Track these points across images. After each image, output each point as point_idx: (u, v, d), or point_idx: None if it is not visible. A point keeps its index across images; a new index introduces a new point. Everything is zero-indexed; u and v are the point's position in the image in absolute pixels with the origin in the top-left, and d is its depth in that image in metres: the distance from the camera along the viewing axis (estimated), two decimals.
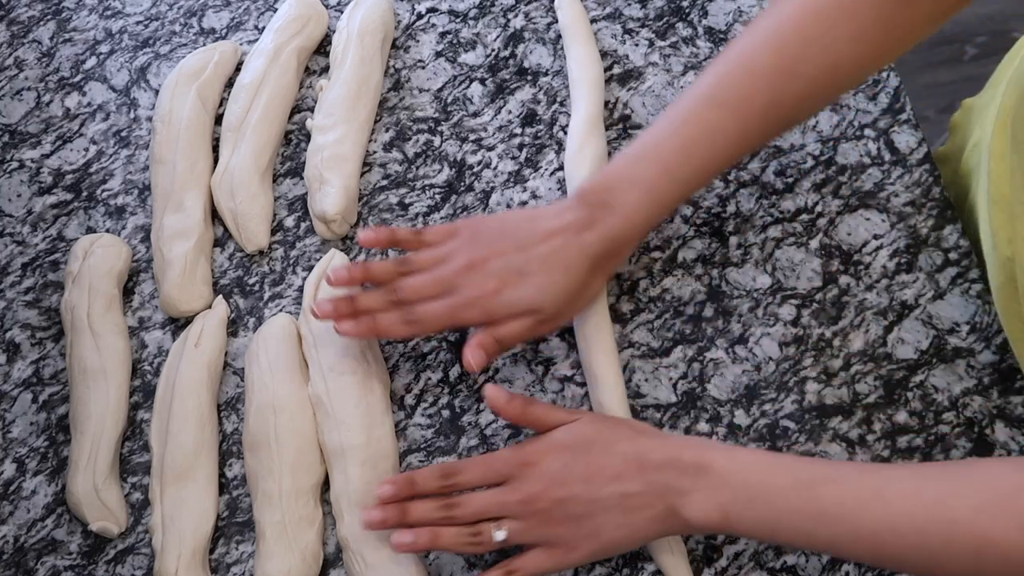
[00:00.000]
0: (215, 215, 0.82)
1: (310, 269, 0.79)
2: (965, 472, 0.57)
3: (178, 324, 0.78)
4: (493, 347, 0.68)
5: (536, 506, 0.62)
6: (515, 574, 0.63)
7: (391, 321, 0.68)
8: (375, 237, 0.71)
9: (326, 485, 0.71)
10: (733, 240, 0.77)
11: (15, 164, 0.87)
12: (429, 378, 0.75)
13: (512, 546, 0.64)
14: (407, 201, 0.81)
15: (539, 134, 0.82)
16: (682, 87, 0.83)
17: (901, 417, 0.70)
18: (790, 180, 0.78)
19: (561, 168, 0.80)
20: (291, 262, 0.80)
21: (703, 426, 0.71)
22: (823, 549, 0.61)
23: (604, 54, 0.85)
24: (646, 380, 0.73)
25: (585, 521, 0.62)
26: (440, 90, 0.85)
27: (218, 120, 0.85)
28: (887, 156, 0.78)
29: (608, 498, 0.61)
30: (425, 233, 0.72)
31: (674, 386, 0.73)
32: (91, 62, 0.91)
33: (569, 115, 0.81)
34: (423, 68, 0.86)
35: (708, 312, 0.75)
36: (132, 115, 0.87)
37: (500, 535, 0.63)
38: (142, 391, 0.77)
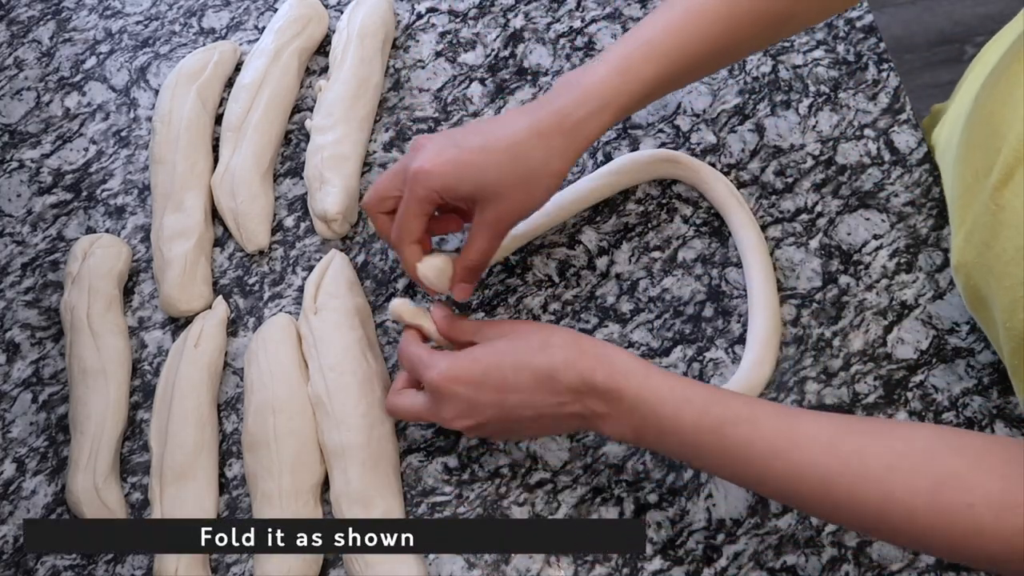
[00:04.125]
0: (215, 215, 0.82)
1: (310, 269, 0.79)
2: (884, 430, 0.56)
3: (178, 324, 0.78)
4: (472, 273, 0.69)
5: (452, 424, 0.64)
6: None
7: None
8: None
9: (326, 485, 0.71)
10: (733, 240, 0.77)
11: (15, 164, 0.87)
12: None
13: None
14: None
15: None
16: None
17: (901, 417, 0.70)
18: (790, 180, 0.78)
19: None
20: (291, 262, 0.80)
21: None
22: (732, 481, 0.61)
23: None
24: None
25: (501, 432, 0.65)
26: (440, 90, 0.85)
27: (218, 120, 0.85)
28: (887, 156, 0.78)
29: (522, 419, 0.62)
30: None
31: None
32: (91, 62, 0.91)
33: None
34: (423, 68, 0.86)
35: (708, 312, 0.75)
36: (132, 115, 0.87)
37: None
38: (142, 391, 0.77)
